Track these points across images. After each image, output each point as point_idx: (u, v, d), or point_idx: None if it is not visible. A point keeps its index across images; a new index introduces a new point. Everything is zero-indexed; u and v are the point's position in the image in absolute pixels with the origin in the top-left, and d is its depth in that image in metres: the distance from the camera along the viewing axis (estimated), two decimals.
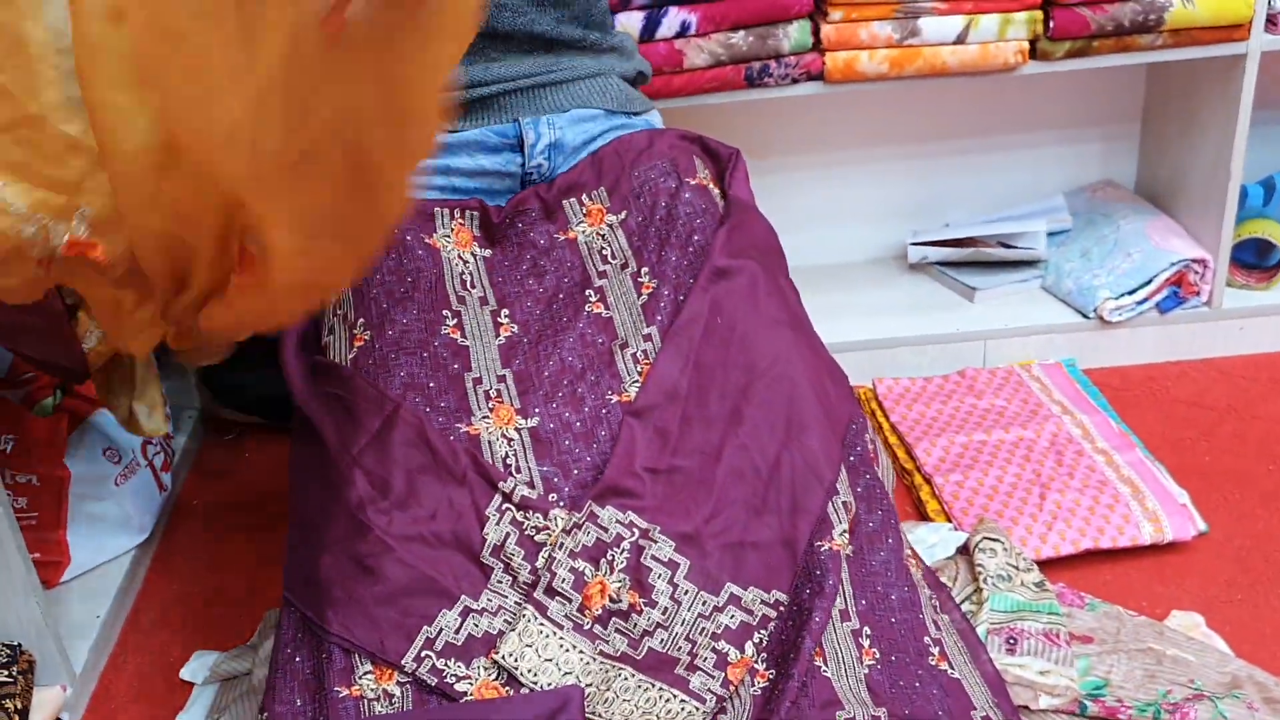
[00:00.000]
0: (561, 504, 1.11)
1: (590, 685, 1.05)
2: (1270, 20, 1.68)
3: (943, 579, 1.32)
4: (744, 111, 1.82)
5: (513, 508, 1.10)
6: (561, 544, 1.09)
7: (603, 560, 1.08)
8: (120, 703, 1.32)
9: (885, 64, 1.67)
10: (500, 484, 1.10)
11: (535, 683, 1.04)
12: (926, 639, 1.14)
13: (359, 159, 0.83)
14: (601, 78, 1.38)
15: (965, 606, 1.29)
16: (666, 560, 1.09)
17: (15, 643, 1.24)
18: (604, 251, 1.28)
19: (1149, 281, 1.81)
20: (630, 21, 1.62)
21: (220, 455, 1.79)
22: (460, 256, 1.27)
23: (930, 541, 1.42)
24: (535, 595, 1.07)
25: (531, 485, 1.12)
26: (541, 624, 1.06)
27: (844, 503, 1.16)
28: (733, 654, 1.07)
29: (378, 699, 1.03)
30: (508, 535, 1.09)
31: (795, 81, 1.69)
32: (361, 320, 1.20)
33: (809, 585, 1.10)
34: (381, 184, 0.87)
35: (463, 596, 1.07)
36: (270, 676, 1.09)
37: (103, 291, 0.98)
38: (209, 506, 1.67)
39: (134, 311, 1.00)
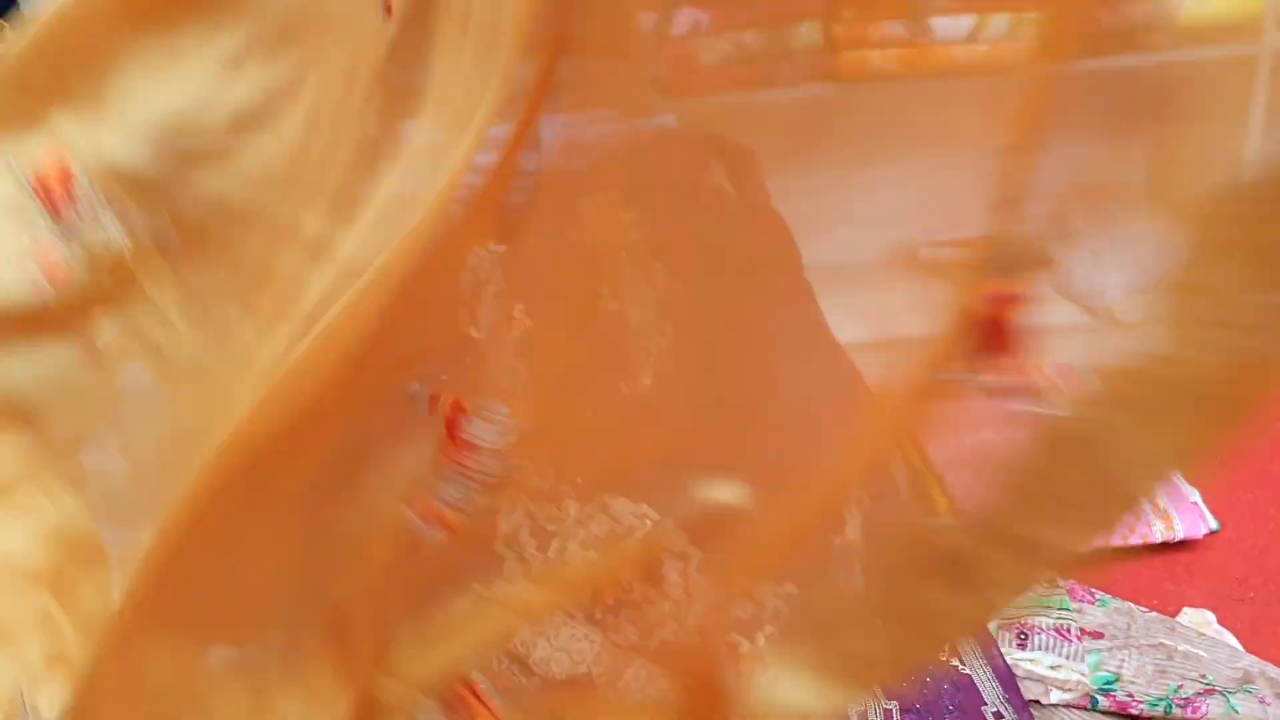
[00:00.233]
0: (574, 495, 1.11)
1: (602, 675, 1.05)
2: None
3: None
4: (757, 111, 1.82)
5: (525, 498, 1.10)
6: (574, 534, 1.09)
7: (615, 551, 1.08)
8: None
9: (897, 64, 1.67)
10: None
11: (547, 672, 1.04)
12: None
13: None
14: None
15: None
16: (679, 552, 1.09)
17: None
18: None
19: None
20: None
21: None
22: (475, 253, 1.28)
23: None
24: None
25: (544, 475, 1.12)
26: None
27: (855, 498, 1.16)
28: (744, 645, 1.07)
29: None
30: (520, 525, 1.10)
31: (806, 81, 1.69)
32: None
33: None
34: None
35: (475, 585, 1.08)
36: None
37: None
38: None
39: None
